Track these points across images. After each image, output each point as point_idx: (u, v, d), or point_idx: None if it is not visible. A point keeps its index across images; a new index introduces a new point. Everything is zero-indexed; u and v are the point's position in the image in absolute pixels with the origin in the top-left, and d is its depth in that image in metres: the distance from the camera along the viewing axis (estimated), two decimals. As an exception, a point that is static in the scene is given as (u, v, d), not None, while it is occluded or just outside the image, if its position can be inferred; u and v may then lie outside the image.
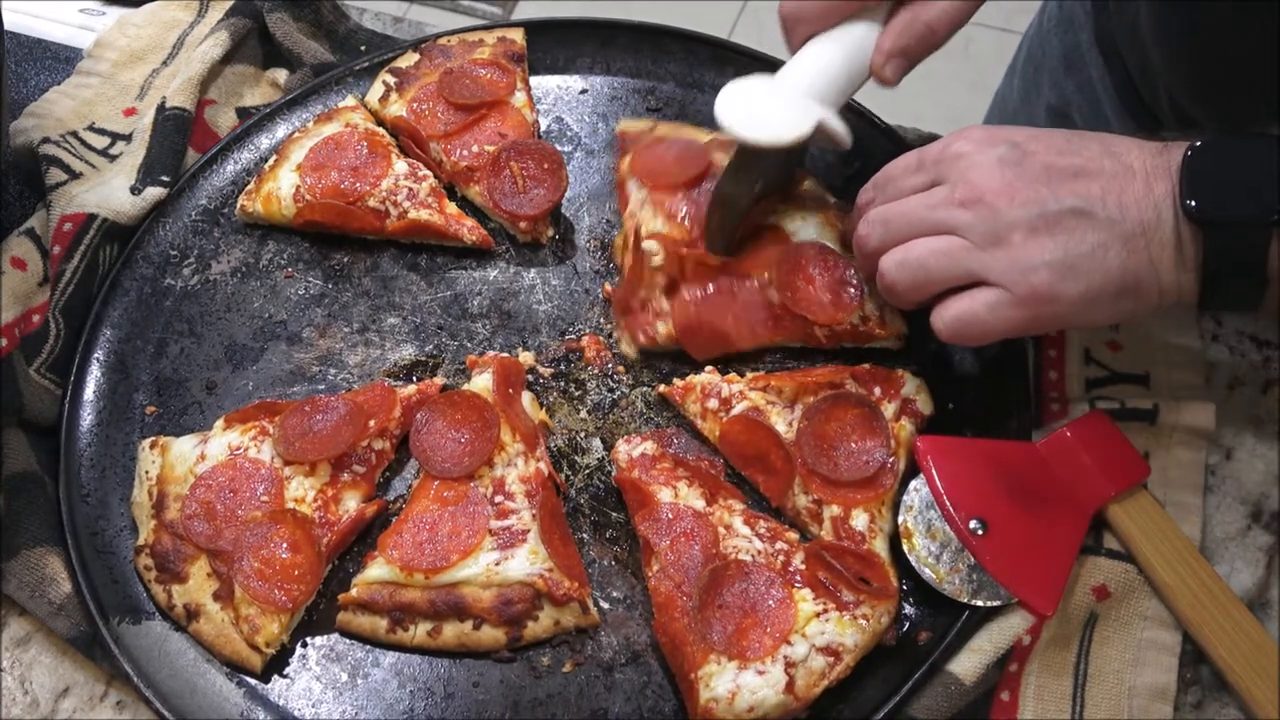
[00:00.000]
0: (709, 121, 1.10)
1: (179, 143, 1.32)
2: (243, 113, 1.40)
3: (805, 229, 1.21)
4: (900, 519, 1.07)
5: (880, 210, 1.07)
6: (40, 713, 1.06)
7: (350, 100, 1.36)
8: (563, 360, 1.22)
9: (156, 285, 1.27)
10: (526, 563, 1.05)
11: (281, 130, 1.36)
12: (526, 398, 1.17)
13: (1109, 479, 1.07)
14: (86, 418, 1.18)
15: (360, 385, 1.20)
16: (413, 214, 1.26)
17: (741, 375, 1.17)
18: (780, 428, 1.11)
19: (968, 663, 1.02)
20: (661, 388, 1.19)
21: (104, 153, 1.33)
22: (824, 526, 1.08)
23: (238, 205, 1.30)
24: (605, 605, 1.08)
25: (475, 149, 1.29)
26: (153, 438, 1.15)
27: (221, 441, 1.12)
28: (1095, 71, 1.47)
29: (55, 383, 1.19)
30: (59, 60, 1.47)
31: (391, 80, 1.35)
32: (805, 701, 0.99)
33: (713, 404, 1.14)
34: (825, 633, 1.00)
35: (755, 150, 1.11)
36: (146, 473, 1.12)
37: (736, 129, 1.09)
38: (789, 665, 0.99)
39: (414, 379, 1.21)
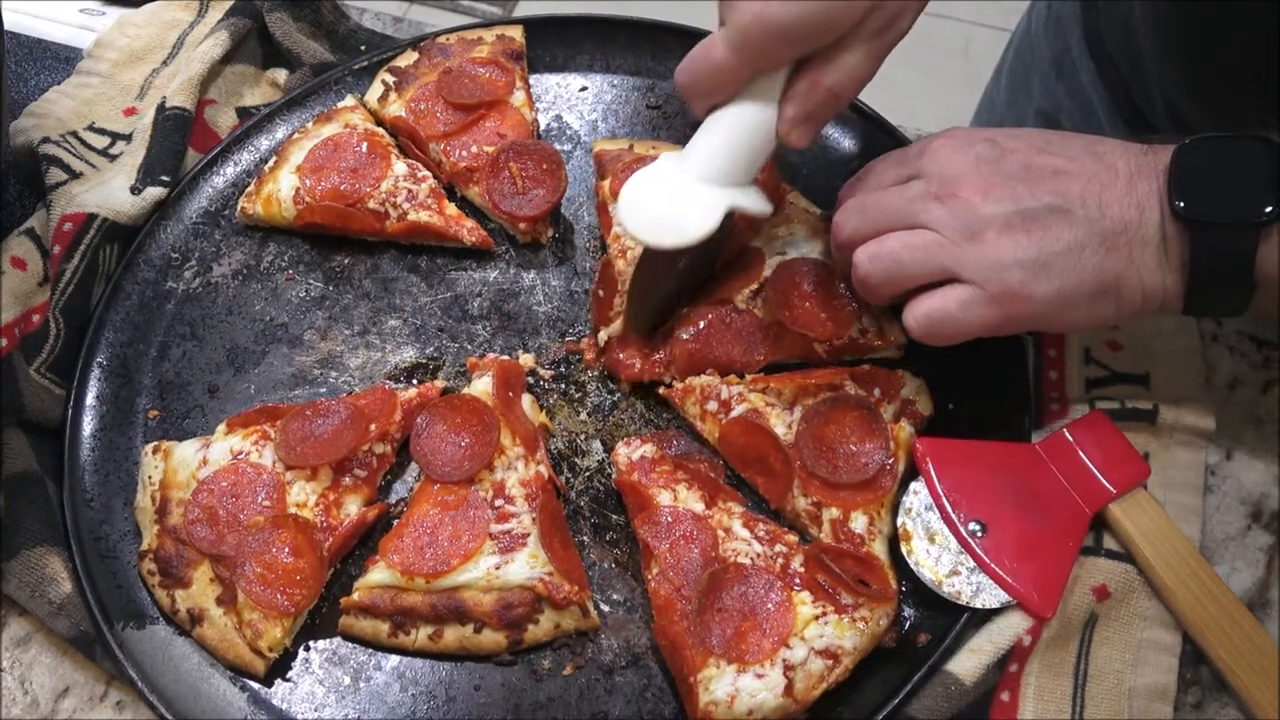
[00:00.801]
0: (695, 129, 1.08)
1: (179, 143, 1.32)
2: (243, 113, 1.40)
3: (794, 242, 1.21)
4: (899, 521, 1.08)
5: (857, 200, 1.07)
6: (40, 713, 1.07)
7: (350, 100, 1.36)
8: (563, 362, 1.22)
9: (158, 288, 1.27)
10: (527, 566, 1.05)
11: (281, 131, 1.36)
12: (527, 400, 1.17)
13: (1109, 479, 1.07)
14: (89, 422, 1.18)
15: (361, 388, 1.20)
16: (412, 215, 1.26)
17: (741, 377, 1.17)
18: (779, 430, 1.11)
19: (967, 663, 1.02)
20: (661, 389, 1.19)
21: (104, 152, 1.33)
22: (823, 529, 1.08)
23: (238, 207, 1.30)
24: (606, 608, 1.09)
25: (474, 149, 1.29)
26: (155, 442, 1.15)
27: (223, 446, 1.12)
28: (1086, 76, 1.46)
29: (55, 383, 1.19)
30: (59, 60, 1.47)
31: (390, 80, 1.35)
32: (804, 704, 0.99)
33: (712, 406, 1.14)
34: (824, 635, 1.00)
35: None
36: (149, 478, 1.12)
37: (642, 235, 1.05)
38: (788, 668, 0.99)
39: (415, 381, 1.21)
